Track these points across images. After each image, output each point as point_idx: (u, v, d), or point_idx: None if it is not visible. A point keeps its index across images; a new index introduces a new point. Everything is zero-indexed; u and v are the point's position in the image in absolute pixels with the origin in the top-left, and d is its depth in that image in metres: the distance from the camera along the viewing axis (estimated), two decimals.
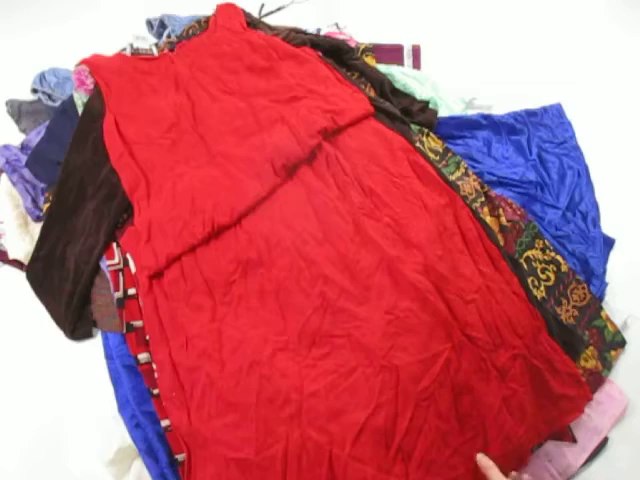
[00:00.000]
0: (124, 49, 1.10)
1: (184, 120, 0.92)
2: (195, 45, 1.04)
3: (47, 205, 0.93)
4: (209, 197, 0.81)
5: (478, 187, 0.88)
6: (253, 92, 0.95)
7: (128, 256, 0.84)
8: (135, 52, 1.06)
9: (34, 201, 0.97)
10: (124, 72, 0.98)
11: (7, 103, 1.15)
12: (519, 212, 0.86)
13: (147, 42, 1.10)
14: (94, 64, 0.98)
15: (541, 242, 0.84)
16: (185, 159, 0.88)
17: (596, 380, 0.76)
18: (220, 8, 1.12)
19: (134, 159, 0.87)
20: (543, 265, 0.82)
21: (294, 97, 0.93)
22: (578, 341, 0.75)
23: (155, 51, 1.06)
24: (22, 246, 0.91)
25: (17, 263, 0.93)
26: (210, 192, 0.82)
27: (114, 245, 0.87)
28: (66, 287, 0.85)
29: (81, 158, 0.92)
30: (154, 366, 0.75)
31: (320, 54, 1.05)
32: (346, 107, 0.90)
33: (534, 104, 1.08)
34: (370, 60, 1.13)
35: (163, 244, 0.77)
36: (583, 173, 0.99)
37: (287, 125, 0.87)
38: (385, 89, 1.04)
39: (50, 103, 1.12)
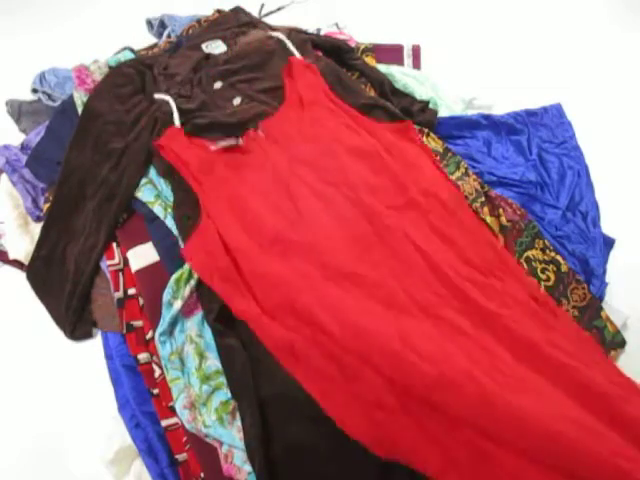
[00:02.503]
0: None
1: (289, 225, 0.78)
2: (286, 126, 0.91)
3: (47, 205, 0.93)
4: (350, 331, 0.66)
5: (478, 187, 0.88)
6: (361, 185, 0.81)
7: (128, 255, 0.85)
8: (222, 148, 0.90)
9: (34, 201, 0.97)
10: (215, 170, 0.85)
11: (7, 103, 1.16)
12: (519, 212, 0.86)
13: (233, 140, 0.91)
14: (184, 161, 0.85)
15: (541, 242, 0.84)
16: (299, 275, 0.73)
17: None
18: (297, 66, 0.97)
19: (240, 274, 0.74)
20: (543, 265, 0.82)
21: (410, 203, 0.80)
22: None
23: (241, 140, 0.90)
24: (22, 246, 0.91)
25: (17, 263, 0.93)
26: (344, 320, 0.67)
27: (114, 245, 0.87)
28: (66, 287, 0.85)
29: (81, 158, 0.92)
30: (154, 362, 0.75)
31: (321, 52, 1.05)
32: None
33: (534, 104, 1.08)
34: (370, 60, 1.13)
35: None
36: (583, 173, 0.99)
37: (422, 257, 0.74)
38: (385, 89, 1.04)
39: (50, 103, 1.13)
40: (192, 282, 0.78)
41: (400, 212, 0.78)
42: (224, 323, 0.74)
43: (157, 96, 0.95)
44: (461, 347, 0.64)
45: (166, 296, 0.77)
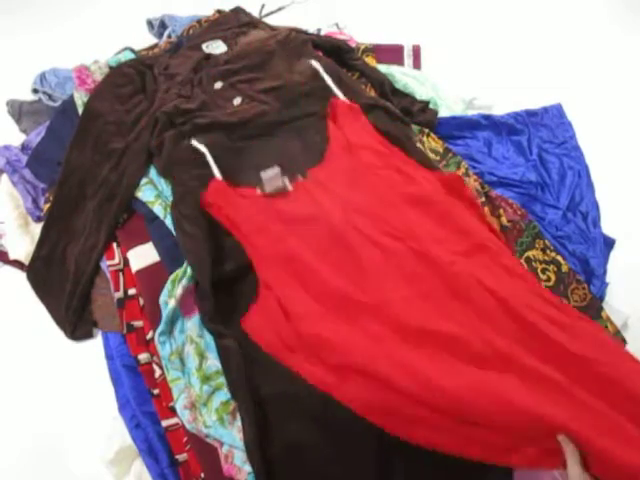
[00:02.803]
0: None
1: (353, 284, 0.71)
2: (336, 173, 0.85)
3: (47, 205, 0.93)
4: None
5: (479, 187, 0.88)
6: (424, 235, 0.75)
7: (128, 255, 0.84)
8: (270, 195, 0.82)
9: (35, 201, 0.97)
10: (268, 228, 0.78)
11: (8, 103, 1.16)
12: (520, 212, 0.86)
13: (279, 177, 0.82)
14: (233, 222, 0.79)
15: (541, 242, 0.84)
16: (371, 338, 0.67)
17: None
18: (341, 108, 0.91)
19: (308, 341, 0.69)
20: (544, 265, 0.82)
21: (476, 247, 0.73)
22: None
23: (289, 185, 0.83)
24: (22, 246, 0.91)
25: (17, 263, 0.93)
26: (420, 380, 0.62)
27: (114, 245, 0.87)
28: (66, 287, 0.85)
29: (81, 158, 0.92)
30: (154, 365, 0.75)
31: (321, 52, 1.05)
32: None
33: (534, 104, 1.08)
34: (370, 60, 1.13)
35: None
36: (583, 173, 0.99)
37: (494, 297, 0.68)
38: (385, 89, 1.04)
39: (50, 103, 1.13)
40: (184, 281, 0.78)
41: (466, 257, 0.73)
42: (220, 324, 0.74)
43: (194, 144, 0.88)
44: (553, 398, 0.59)
45: (163, 296, 0.77)
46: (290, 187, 0.82)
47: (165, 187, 0.90)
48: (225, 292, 0.76)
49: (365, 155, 0.86)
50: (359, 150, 0.86)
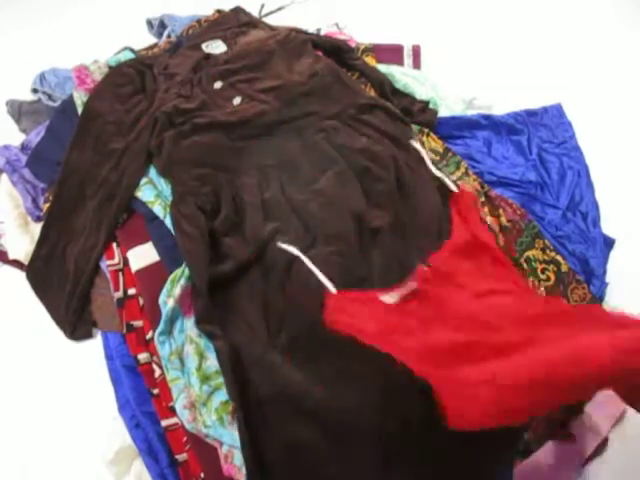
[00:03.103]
0: None
1: None
2: (464, 268, 0.78)
3: (47, 205, 0.93)
4: None
5: (478, 187, 0.88)
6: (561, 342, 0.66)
7: (128, 255, 0.84)
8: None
9: (34, 201, 0.97)
10: (405, 327, 0.72)
11: (7, 103, 1.16)
12: (519, 212, 0.86)
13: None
14: (365, 332, 0.70)
15: (541, 242, 0.84)
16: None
17: None
18: (466, 199, 0.85)
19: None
20: (543, 265, 0.82)
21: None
22: None
23: (414, 285, 0.75)
24: (22, 246, 0.91)
25: (17, 263, 0.93)
26: None
27: (114, 245, 0.87)
28: (66, 287, 0.85)
29: (81, 158, 0.92)
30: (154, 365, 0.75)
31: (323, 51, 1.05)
32: None
33: (534, 104, 1.08)
34: (370, 60, 1.13)
35: None
36: (583, 173, 0.99)
37: None
38: (385, 89, 1.04)
39: (50, 103, 1.13)
40: (182, 281, 0.78)
41: None
42: (216, 324, 0.73)
43: (282, 246, 0.78)
44: None
45: (162, 296, 0.77)
46: (415, 286, 0.74)
47: (165, 187, 0.90)
48: (223, 292, 0.76)
49: (487, 257, 0.79)
50: (482, 250, 0.80)
